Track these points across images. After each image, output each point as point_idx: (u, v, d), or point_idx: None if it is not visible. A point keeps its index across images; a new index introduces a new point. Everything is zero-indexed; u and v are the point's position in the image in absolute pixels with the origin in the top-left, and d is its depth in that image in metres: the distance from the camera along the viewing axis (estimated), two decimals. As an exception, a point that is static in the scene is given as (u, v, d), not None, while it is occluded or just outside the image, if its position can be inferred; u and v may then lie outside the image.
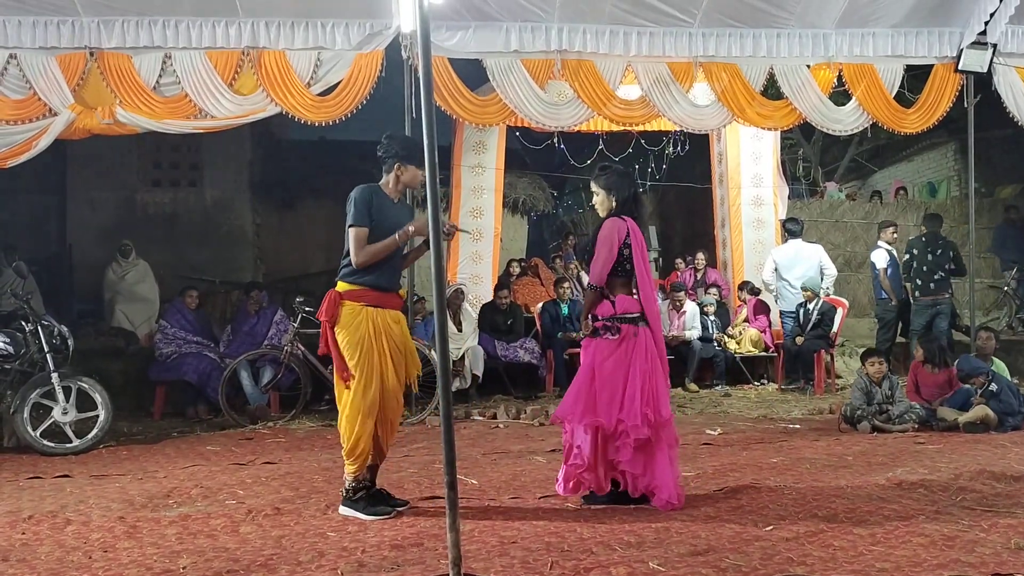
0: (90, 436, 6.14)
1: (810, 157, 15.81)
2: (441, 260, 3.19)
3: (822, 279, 9.27)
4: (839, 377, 9.40)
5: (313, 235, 12.85)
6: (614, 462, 4.15)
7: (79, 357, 6.85)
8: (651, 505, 4.10)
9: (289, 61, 7.44)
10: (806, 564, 3.18)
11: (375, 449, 4.10)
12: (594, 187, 4.40)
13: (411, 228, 4.07)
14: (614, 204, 4.31)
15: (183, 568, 3.26)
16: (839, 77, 8.16)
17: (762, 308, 9.74)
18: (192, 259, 11.68)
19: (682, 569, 3.13)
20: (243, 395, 7.81)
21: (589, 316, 4.28)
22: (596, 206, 4.42)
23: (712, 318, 9.55)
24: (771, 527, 3.68)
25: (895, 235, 9.52)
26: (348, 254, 4.09)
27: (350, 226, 4.06)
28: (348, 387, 4.03)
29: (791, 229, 9.60)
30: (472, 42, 7.69)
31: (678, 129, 9.77)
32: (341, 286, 4.10)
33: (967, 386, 6.60)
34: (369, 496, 4.05)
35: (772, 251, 9.82)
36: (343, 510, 4.05)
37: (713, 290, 10.08)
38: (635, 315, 4.22)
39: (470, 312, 8.83)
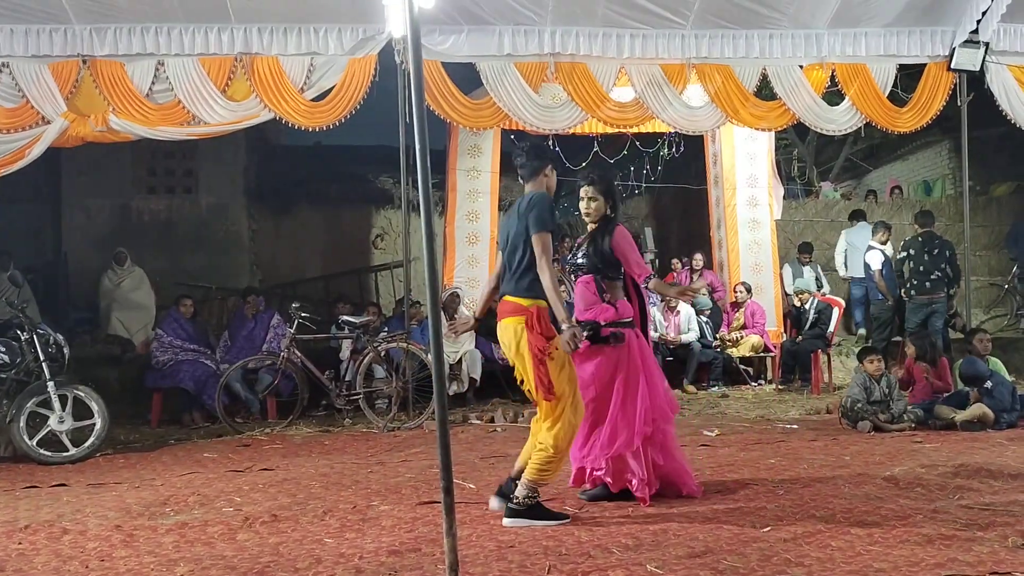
0: (87, 444, 6.12)
1: (805, 157, 15.82)
2: (434, 265, 3.19)
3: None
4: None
5: (309, 241, 12.79)
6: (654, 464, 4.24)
7: (75, 365, 6.83)
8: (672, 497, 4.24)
9: (282, 67, 7.45)
10: (804, 565, 3.18)
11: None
12: (591, 192, 4.31)
13: (573, 331, 3.75)
14: (609, 210, 4.35)
15: (180, 576, 3.25)
16: (832, 77, 8.19)
17: (759, 311, 9.70)
18: (188, 266, 11.64)
19: (680, 571, 3.13)
20: (239, 402, 7.81)
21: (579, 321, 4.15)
22: (588, 211, 4.34)
23: (705, 319, 9.50)
24: (769, 528, 3.68)
25: (888, 237, 9.54)
26: (529, 264, 3.87)
27: (543, 231, 3.81)
28: (550, 401, 3.84)
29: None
30: (465, 46, 7.69)
31: (672, 131, 9.76)
32: (532, 303, 3.86)
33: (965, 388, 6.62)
34: (539, 504, 3.90)
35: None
36: (516, 522, 3.84)
37: (704, 289, 9.86)
38: (630, 320, 4.29)
39: (467, 315, 8.79)
